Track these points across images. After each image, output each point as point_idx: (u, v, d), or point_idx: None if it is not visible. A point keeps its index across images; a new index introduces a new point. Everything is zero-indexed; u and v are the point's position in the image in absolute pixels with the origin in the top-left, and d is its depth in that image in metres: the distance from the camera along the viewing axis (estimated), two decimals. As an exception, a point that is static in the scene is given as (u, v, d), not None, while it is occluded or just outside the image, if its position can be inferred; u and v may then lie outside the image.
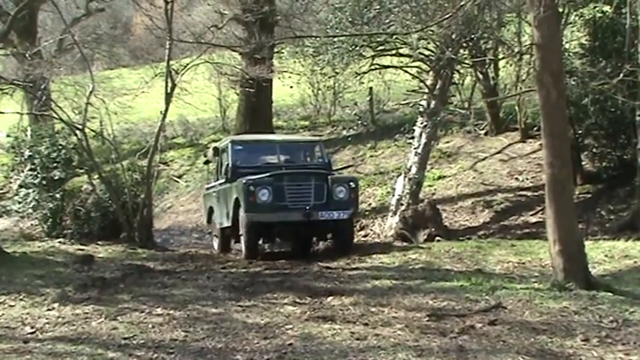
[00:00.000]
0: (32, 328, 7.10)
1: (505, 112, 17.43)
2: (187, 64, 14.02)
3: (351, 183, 11.79)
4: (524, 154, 15.94)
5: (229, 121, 22.47)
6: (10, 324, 7.27)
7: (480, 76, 15.61)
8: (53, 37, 20.32)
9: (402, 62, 14.60)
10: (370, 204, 15.33)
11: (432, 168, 15.79)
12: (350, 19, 13.09)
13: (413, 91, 14.91)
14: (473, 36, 12.44)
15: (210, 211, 13.44)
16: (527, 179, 14.95)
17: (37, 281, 9.45)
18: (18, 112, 18.71)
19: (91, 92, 13.90)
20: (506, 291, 7.86)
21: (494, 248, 10.71)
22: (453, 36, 12.25)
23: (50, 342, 6.57)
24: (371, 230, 14.20)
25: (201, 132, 23.15)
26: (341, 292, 8.38)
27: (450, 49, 12.31)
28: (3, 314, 7.70)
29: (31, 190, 13.93)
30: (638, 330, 6.41)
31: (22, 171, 14.37)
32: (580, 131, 13.82)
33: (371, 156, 17.96)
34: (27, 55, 14.79)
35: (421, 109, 13.71)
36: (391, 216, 13.56)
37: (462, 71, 14.15)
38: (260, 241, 11.94)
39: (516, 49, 13.33)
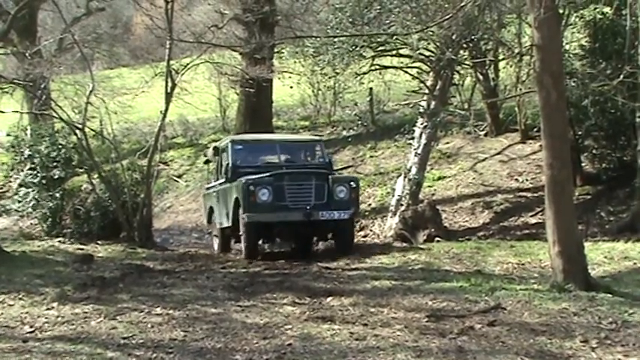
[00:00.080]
0: (31, 327, 7.10)
1: (505, 113, 17.44)
2: (187, 64, 14.01)
3: (352, 183, 11.72)
4: (524, 155, 15.95)
5: (229, 121, 22.46)
6: (9, 323, 7.27)
7: (480, 77, 15.62)
8: (53, 36, 20.32)
9: (402, 63, 14.60)
10: (370, 204, 15.33)
11: (431, 169, 15.79)
12: (350, 20, 13.09)
13: (413, 91, 14.91)
14: (473, 37, 12.45)
15: (211, 210, 13.41)
16: (526, 180, 14.96)
17: (37, 280, 9.45)
18: (18, 111, 18.71)
19: (91, 92, 13.90)
20: (506, 292, 7.86)
21: (494, 249, 10.72)
22: (454, 37, 12.26)
23: (49, 341, 6.57)
24: (370, 231, 14.20)
25: (201, 132, 23.14)
26: (340, 292, 8.38)
27: (450, 49, 12.33)
28: (2, 313, 7.70)
29: (30, 190, 13.93)
30: (637, 331, 6.41)
31: (22, 170, 14.38)
32: (580, 132, 13.83)
33: (371, 156, 17.96)
34: (27, 54, 14.79)
35: (421, 110, 13.71)
36: (391, 216, 13.56)
37: (462, 72, 14.15)
38: (260, 242, 11.92)
39: (516, 50, 13.33)
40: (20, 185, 14.33)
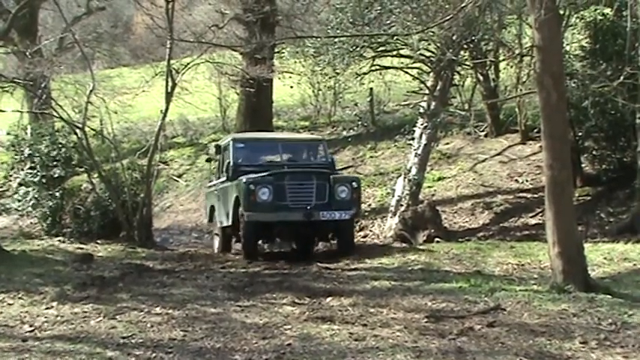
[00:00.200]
0: (31, 326, 7.10)
1: (505, 113, 17.44)
2: (188, 64, 14.01)
3: (354, 183, 11.62)
4: (524, 156, 15.95)
5: (229, 120, 22.46)
6: (8, 322, 7.27)
7: (481, 78, 15.60)
8: (54, 35, 20.32)
9: (402, 63, 14.60)
10: (370, 205, 15.32)
11: (431, 169, 15.79)
12: (351, 20, 13.09)
13: (413, 92, 14.91)
14: (473, 37, 12.44)
15: (212, 209, 13.34)
16: (526, 181, 14.96)
17: (36, 280, 9.46)
18: (18, 111, 18.70)
19: (91, 91, 13.90)
20: (505, 293, 7.86)
21: (494, 250, 10.71)
22: (454, 37, 12.26)
23: (49, 340, 6.57)
24: (370, 231, 14.20)
25: (202, 131, 23.14)
26: (340, 292, 8.38)
27: (450, 50, 12.32)
28: (2, 312, 7.70)
29: (30, 189, 13.93)
30: (636, 333, 6.41)
31: (22, 169, 14.38)
32: (580, 133, 13.82)
33: (371, 157, 17.96)
34: (27, 53, 14.78)
35: (421, 111, 13.71)
36: (391, 217, 13.56)
37: (462, 73, 14.14)
38: (260, 242, 11.88)
39: (517, 51, 13.31)
40: (20, 184, 14.33)
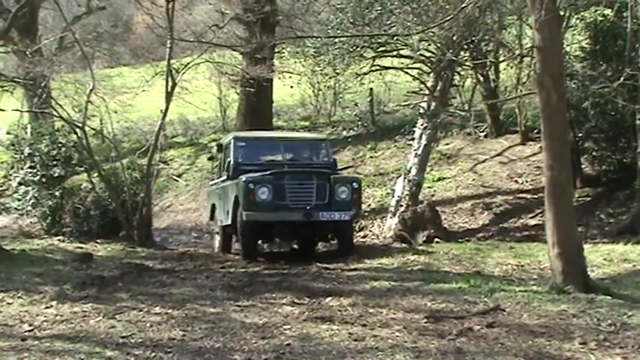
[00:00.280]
0: (30, 325, 7.10)
1: (505, 114, 17.43)
2: (188, 63, 14.01)
3: (354, 183, 11.55)
4: (524, 156, 15.94)
5: (229, 120, 22.45)
6: (8, 321, 7.27)
7: (481, 79, 15.60)
8: (54, 34, 20.32)
9: (402, 63, 14.59)
10: (370, 205, 15.32)
11: (431, 170, 15.78)
12: (351, 20, 13.09)
13: (413, 92, 14.90)
14: (474, 38, 12.44)
15: (213, 208, 13.27)
16: (526, 182, 14.96)
17: (36, 279, 9.46)
18: (18, 110, 18.69)
19: (91, 90, 13.90)
20: (505, 293, 7.86)
21: (493, 250, 10.72)
22: (454, 38, 12.26)
23: (48, 340, 6.57)
24: (370, 231, 14.19)
25: (202, 131, 23.14)
26: (339, 292, 8.38)
27: (450, 50, 12.32)
28: (1, 312, 7.70)
29: (30, 188, 13.93)
30: (636, 334, 6.41)
31: (22, 168, 14.38)
32: (580, 134, 13.82)
33: (371, 157, 17.96)
34: (27, 52, 14.78)
35: (421, 111, 13.70)
36: (390, 217, 13.56)
37: (462, 73, 14.14)
38: (259, 242, 11.85)
39: (517, 52, 13.32)
40: (20, 183, 14.34)
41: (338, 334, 6.55)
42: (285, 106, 23.38)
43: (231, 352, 6.16)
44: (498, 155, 16.38)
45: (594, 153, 14.05)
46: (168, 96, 13.57)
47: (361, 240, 13.57)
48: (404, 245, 12.30)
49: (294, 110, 23.47)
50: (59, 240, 13.09)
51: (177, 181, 19.58)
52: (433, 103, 13.48)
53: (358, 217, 12.24)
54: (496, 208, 14.28)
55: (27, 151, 14.12)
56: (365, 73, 14.29)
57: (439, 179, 15.83)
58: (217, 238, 13.02)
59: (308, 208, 11.11)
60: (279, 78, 19.31)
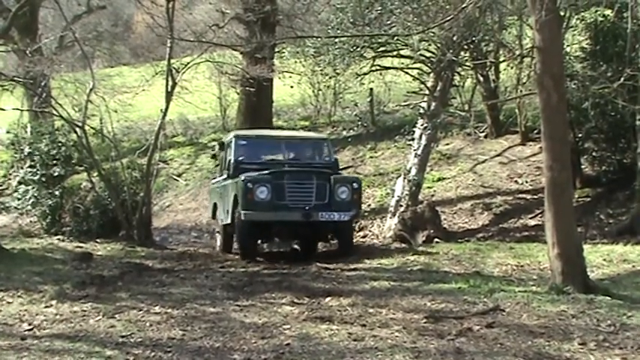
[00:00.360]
0: (30, 325, 7.10)
1: (505, 114, 17.44)
2: (188, 63, 14.00)
3: (354, 184, 11.47)
4: (523, 157, 15.95)
5: (229, 120, 22.46)
6: (7, 321, 7.27)
7: (481, 79, 15.60)
8: (54, 34, 20.35)
9: (402, 64, 14.58)
10: (369, 205, 15.32)
11: (431, 170, 15.78)
12: (351, 20, 13.08)
13: (413, 92, 14.90)
14: (474, 38, 12.44)
15: (215, 206, 13.22)
16: (526, 182, 14.96)
17: (36, 278, 9.45)
18: (18, 109, 18.69)
19: (91, 90, 13.90)
20: (504, 294, 7.86)
21: (493, 251, 10.72)
22: (454, 38, 12.25)
23: (48, 339, 6.57)
24: (370, 231, 14.19)
25: (201, 131, 23.15)
26: (339, 292, 8.38)
27: (451, 51, 12.32)
28: (1, 311, 7.69)
29: (30, 187, 13.93)
30: (635, 334, 6.41)
31: (22, 168, 14.39)
32: (580, 135, 13.83)
33: (371, 157, 17.96)
34: (27, 51, 14.78)
35: (421, 111, 13.70)
36: (390, 217, 13.55)
37: (462, 73, 14.13)
38: (259, 242, 11.80)
39: (517, 52, 13.32)
40: (20, 183, 14.34)
41: (337, 334, 6.55)
42: (285, 106, 23.39)
43: (230, 351, 6.16)
44: (498, 155, 16.38)
45: (594, 153, 14.04)
46: (168, 95, 13.57)
47: (361, 240, 13.57)
48: (404, 245, 12.30)
49: (294, 110, 23.47)
50: (59, 239, 13.09)
51: (177, 180, 19.58)
52: (433, 104, 13.48)
53: (358, 217, 12.14)
54: (496, 208, 14.28)
55: (27, 150, 14.13)
56: (365, 73, 14.29)
57: (439, 179, 15.83)
58: (219, 237, 12.98)
59: (307, 208, 11.05)
60: (279, 78, 19.32)
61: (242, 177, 11.15)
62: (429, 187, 15.31)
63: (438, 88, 13.49)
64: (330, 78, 16.00)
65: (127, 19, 30.43)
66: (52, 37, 19.90)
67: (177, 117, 22.39)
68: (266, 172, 11.24)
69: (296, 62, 17.49)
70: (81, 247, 12.39)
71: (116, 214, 13.37)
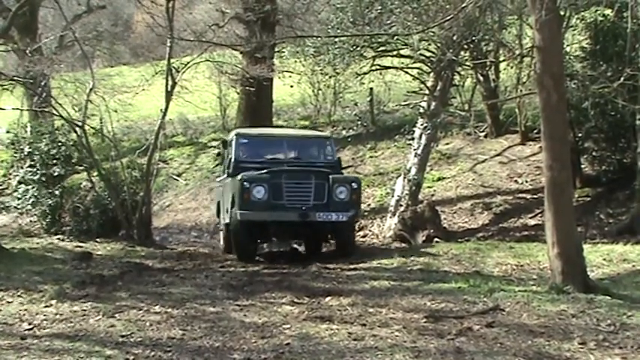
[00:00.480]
0: (30, 324, 7.09)
1: (505, 114, 17.44)
2: (188, 63, 14.00)
3: (354, 184, 11.24)
4: (523, 156, 15.95)
5: (229, 119, 22.46)
6: (7, 320, 7.26)
7: (481, 78, 15.60)
8: (54, 33, 20.35)
9: (402, 63, 14.58)
10: (369, 205, 15.33)
11: (431, 169, 15.79)
12: (351, 20, 13.08)
13: (413, 92, 14.90)
14: (474, 38, 12.43)
15: (218, 205, 13.15)
16: (526, 182, 14.97)
17: (36, 278, 9.45)
18: (18, 109, 18.71)
19: (91, 89, 13.90)
20: (504, 293, 7.86)
21: (493, 250, 10.71)
22: (454, 38, 12.25)
23: (48, 339, 6.56)
24: (370, 231, 14.20)
25: (201, 130, 23.16)
26: (339, 292, 8.38)
27: (451, 50, 12.32)
28: (1, 310, 7.69)
29: (30, 187, 13.93)
30: (635, 334, 6.41)
31: (22, 167, 14.40)
32: (580, 134, 13.82)
33: (371, 157, 17.97)
34: (27, 51, 14.78)
35: (421, 111, 13.71)
36: (390, 217, 13.56)
37: (462, 73, 14.13)
38: (257, 242, 11.69)
39: (517, 52, 13.30)
40: (20, 182, 14.34)
41: (337, 334, 6.54)
42: (285, 106, 23.39)
43: (230, 351, 6.16)
44: (498, 155, 16.39)
45: (594, 153, 14.04)
46: (168, 95, 13.57)
47: (361, 239, 13.57)
48: (404, 245, 12.30)
49: (294, 110, 23.47)
50: (59, 239, 13.09)
51: (176, 180, 19.59)
52: (433, 103, 13.48)
53: (357, 218, 11.89)
54: (496, 208, 14.28)
55: (27, 149, 14.13)
56: (365, 73, 14.28)
57: (439, 179, 15.83)
58: (222, 237, 12.92)
59: (304, 208, 10.89)
60: (279, 77, 19.32)
61: (239, 176, 11.03)
62: (428, 187, 15.32)
63: (438, 87, 13.50)
64: (330, 77, 15.99)
65: (126, 18, 30.43)
66: (52, 37, 19.90)
67: (177, 117, 22.40)
68: (264, 171, 11.09)
69: (296, 62, 17.48)
70: (81, 246, 12.39)
71: (116, 213, 13.37)
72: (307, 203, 11.00)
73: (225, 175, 12.27)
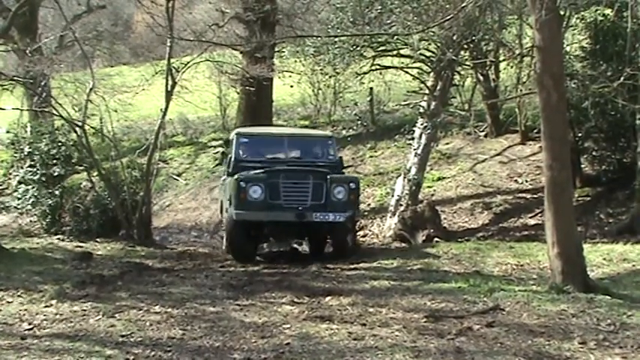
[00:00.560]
0: (30, 324, 7.09)
1: (505, 114, 17.44)
2: (188, 62, 14.00)
3: (352, 184, 11.11)
4: (523, 156, 15.95)
5: (229, 119, 22.47)
6: (7, 320, 7.26)
7: (481, 78, 15.61)
8: (54, 33, 20.35)
9: (402, 63, 14.58)
10: (369, 204, 15.33)
11: (431, 169, 15.79)
12: (351, 19, 13.07)
13: (413, 92, 14.90)
14: (474, 37, 12.43)
15: (222, 205, 13.08)
16: (526, 181, 14.97)
17: (36, 278, 9.45)
18: (18, 109, 18.71)
19: (91, 89, 13.90)
20: (504, 293, 7.86)
21: (493, 250, 10.71)
22: (454, 37, 12.25)
23: (48, 339, 6.57)
24: (370, 231, 14.20)
25: (201, 130, 23.16)
26: (339, 292, 8.38)
27: (450, 50, 12.32)
28: (1, 310, 7.69)
29: (30, 187, 13.93)
30: (635, 333, 6.42)
31: (22, 167, 14.39)
32: (580, 134, 13.82)
33: (370, 156, 17.96)
34: (27, 51, 14.78)
35: (421, 110, 13.70)
36: (390, 217, 13.56)
37: (462, 73, 14.13)
38: (253, 242, 11.56)
39: (517, 52, 13.30)
40: (20, 182, 14.33)
41: (337, 334, 6.55)
42: (285, 106, 23.40)
43: (230, 351, 6.16)
44: (498, 155, 16.39)
45: (594, 153, 14.04)
46: (168, 95, 13.57)
47: (361, 239, 13.57)
48: (404, 245, 12.30)
49: (294, 109, 23.48)
50: (59, 239, 13.09)
51: (176, 180, 19.59)
52: (433, 103, 13.48)
53: (355, 218, 11.74)
54: (496, 207, 14.29)
55: (27, 149, 14.13)
56: (365, 73, 14.28)
57: (439, 179, 15.83)
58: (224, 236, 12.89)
59: (300, 208, 10.77)
60: (279, 77, 19.33)
61: (236, 176, 10.96)
62: (428, 187, 15.32)
63: (438, 87, 13.49)
64: (329, 77, 15.99)
65: (126, 18, 30.43)
66: (52, 37, 19.90)
67: (177, 116, 22.41)
68: (260, 170, 10.99)
69: (296, 62, 17.48)
70: (81, 246, 12.39)
71: (116, 213, 13.37)
72: (305, 203, 10.89)
73: (226, 175, 12.25)
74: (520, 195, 14.60)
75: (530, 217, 13.53)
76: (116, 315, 7.38)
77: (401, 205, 13.29)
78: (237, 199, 10.79)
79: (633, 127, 12.60)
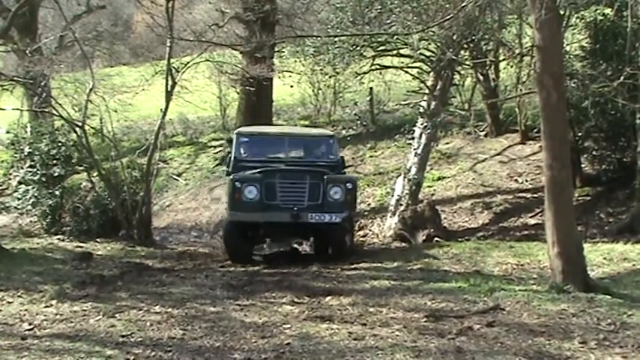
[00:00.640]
0: (30, 324, 7.09)
1: (505, 113, 17.44)
2: (188, 63, 14.00)
3: (348, 184, 10.93)
4: (523, 155, 15.95)
5: (229, 119, 22.47)
6: (8, 320, 7.26)
7: (481, 78, 15.61)
8: (54, 33, 20.34)
9: (402, 63, 14.58)
10: (369, 204, 15.33)
11: (431, 169, 15.79)
12: (351, 19, 13.08)
13: (413, 91, 14.91)
14: (474, 37, 12.44)
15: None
16: (526, 181, 14.97)
17: (36, 278, 9.45)
18: (18, 109, 18.70)
19: (91, 89, 13.89)
20: (505, 293, 7.86)
21: (493, 250, 10.71)
22: (454, 37, 12.25)
23: (48, 339, 6.57)
24: (370, 231, 14.20)
25: (201, 130, 23.16)
26: (339, 292, 8.38)
27: (450, 50, 12.32)
28: (1, 310, 7.69)
29: (30, 187, 13.93)
30: (635, 333, 6.41)
31: (22, 167, 14.38)
32: (580, 134, 13.83)
33: (370, 156, 17.96)
34: (27, 51, 14.78)
35: (421, 110, 13.71)
36: (390, 216, 13.56)
37: (462, 72, 14.13)
38: (249, 243, 11.47)
39: (517, 51, 13.30)
40: (20, 183, 14.34)
41: (338, 334, 6.55)
42: (285, 106, 23.40)
43: (230, 351, 6.16)
44: (498, 154, 16.39)
45: (594, 152, 14.04)
46: (168, 95, 13.56)
47: (361, 239, 13.57)
48: (404, 244, 12.29)
49: (294, 109, 23.48)
50: (59, 239, 13.09)
51: (176, 180, 19.58)
52: (433, 103, 13.49)
53: (352, 219, 11.61)
54: (496, 207, 14.29)
55: (27, 150, 14.13)
56: (365, 73, 14.28)
57: (439, 178, 15.83)
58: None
59: (296, 209, 10.64)
60: (279, 77, 19.33)
61: (232, 176, 10.90)
62: (429, 186, 15.32)
63: (438, 87, 13.50)
64: (329, 77, 15.99)
65: (126, 18, 30.42)
66: (52, 37, 19.90)
67: (177, 116, 22.41)
68: (257, 170, 10.90)
69: (296, 61, 17.47)
70: (81, 246, 12.39)
71: (116, 213, 13.37)
72: (301, 204, 10.77)
73: (226, 174, 12.21)
74: (520, 194, 14.60)
75: (531, 217, 13.54)
76: (116, 315, 7.38)
77: (401, 204, 13.30)
78: (232, 200, 10.70)
79: (633, 127, 12.60)
